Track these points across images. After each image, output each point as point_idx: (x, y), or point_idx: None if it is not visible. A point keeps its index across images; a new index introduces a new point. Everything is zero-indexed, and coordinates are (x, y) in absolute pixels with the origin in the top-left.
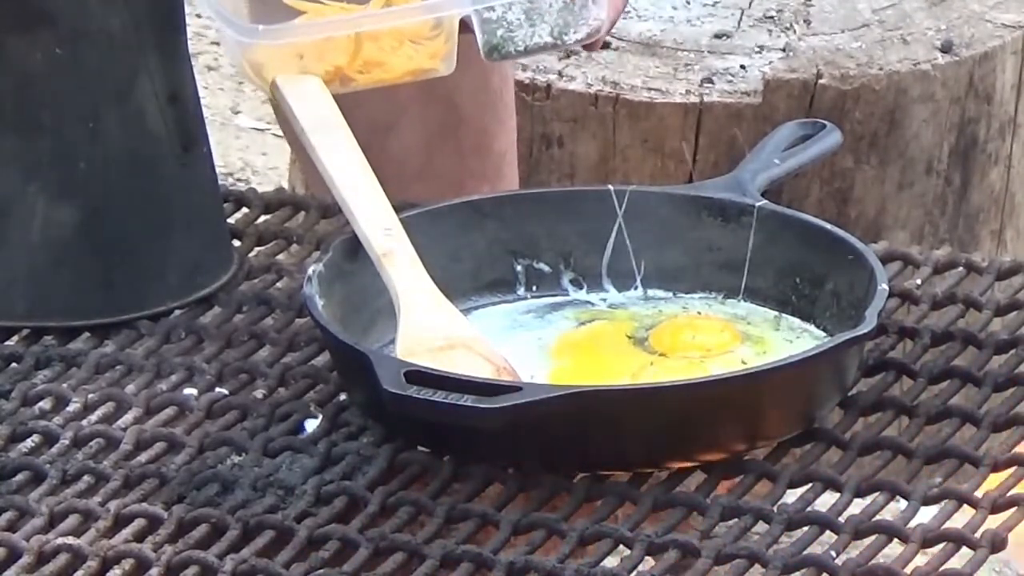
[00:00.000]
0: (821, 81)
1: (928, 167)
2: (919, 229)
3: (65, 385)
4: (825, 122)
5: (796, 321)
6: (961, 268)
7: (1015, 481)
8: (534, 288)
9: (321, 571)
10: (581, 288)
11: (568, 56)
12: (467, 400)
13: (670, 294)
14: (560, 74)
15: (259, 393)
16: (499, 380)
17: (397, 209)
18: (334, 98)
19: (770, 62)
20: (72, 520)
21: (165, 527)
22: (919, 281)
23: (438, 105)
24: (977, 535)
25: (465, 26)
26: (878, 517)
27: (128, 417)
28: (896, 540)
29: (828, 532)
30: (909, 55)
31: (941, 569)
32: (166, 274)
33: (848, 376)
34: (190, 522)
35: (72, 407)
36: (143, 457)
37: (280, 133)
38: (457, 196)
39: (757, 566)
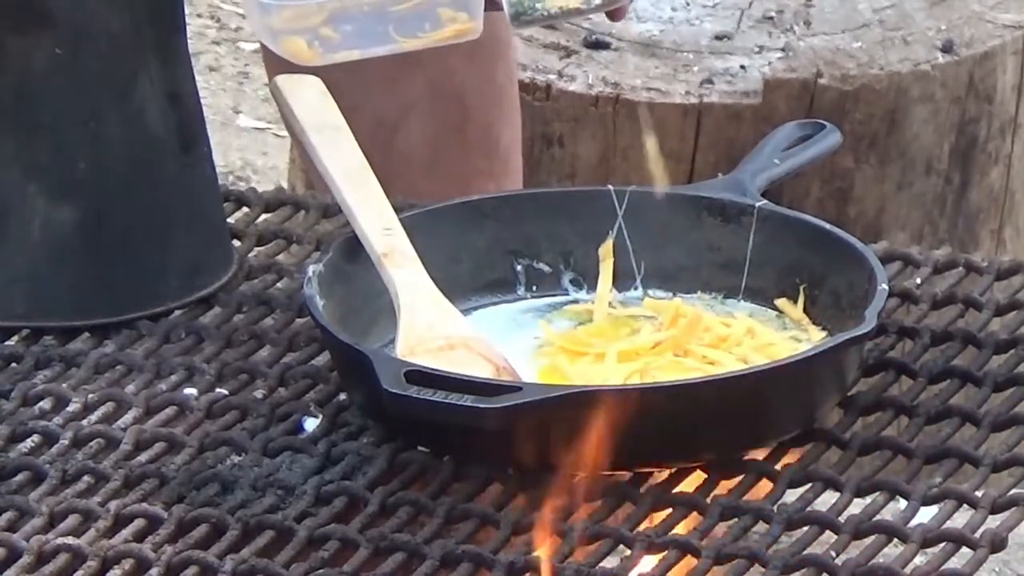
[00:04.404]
0: (821, 81)
1: (928, 167)
2: (919, 229)
3: (65, 385)
4: (825, 122)
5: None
6: (961, 268)
7: (1015, 481)
8: (534, 288)
9: (321, 571)
10: (581, 288)
11: (569, 56)
12: (467, 400)
13: (670, 294)
14: (560, 74)
15: (259, 393)
16: (499, 380)
17: (397, 209)
18: (335, 99)
19: (770, 62)
20: (72, 520)
21: (165, 527)
22: (919, 281)
23: (445, 102)
24: (977, 535)
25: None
26: (878, 517)
27: (128, 417)
28: (896, 540)
29: (828, 532)
30: (909, 55)
31: (941, 569)
32: (166, 274)
33: (848, 376)
34: (190, 522)
35: (72, 407)
36: (143, 457)
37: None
38: (464, 192)
39: (757, 566)
